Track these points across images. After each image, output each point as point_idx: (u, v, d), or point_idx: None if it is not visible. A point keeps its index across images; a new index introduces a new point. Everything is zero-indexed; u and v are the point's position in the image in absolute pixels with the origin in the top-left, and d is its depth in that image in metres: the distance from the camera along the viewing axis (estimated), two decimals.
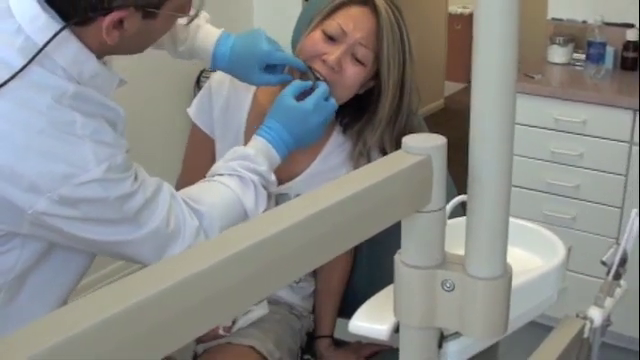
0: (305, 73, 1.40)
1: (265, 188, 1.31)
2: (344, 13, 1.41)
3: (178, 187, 1.62)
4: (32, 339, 0.37)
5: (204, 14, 1.41)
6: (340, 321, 1.62)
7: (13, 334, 0.37)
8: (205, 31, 1.42)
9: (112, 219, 1.13)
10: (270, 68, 1.41)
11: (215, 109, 1.52)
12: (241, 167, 1.29)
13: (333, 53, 1.38)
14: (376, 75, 1.44)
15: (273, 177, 1.32)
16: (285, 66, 1.42)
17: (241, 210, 1.27)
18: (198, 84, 3.27)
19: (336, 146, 1.53)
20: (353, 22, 1.40)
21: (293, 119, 1.34)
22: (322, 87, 1.37)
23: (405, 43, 1.42)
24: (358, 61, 1.40)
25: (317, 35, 1.42)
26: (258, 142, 1.33)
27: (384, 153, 1.47)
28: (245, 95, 1.52)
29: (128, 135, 1.22)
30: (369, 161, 1.48)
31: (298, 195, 0.73)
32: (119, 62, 1.24)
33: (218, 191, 1.27)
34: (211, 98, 1.53)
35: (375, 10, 1.40)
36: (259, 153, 1.31)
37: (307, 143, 1.38)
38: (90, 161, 1.08)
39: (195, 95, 3.07)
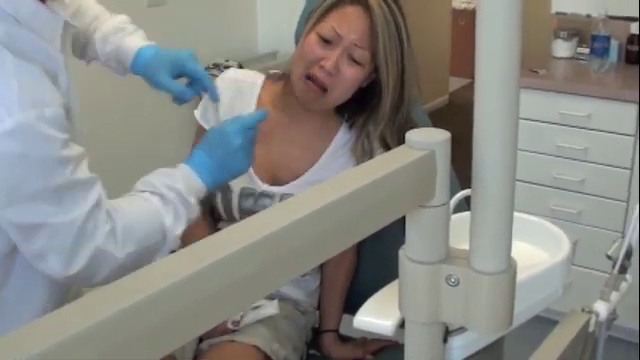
0: (206, 90, 1.40)
1: (185, 208, 1.21)
2: (337, 14, 1.40)
3: None
4: (24, 341, 0.36)
5: (134, 26, 1.42)
6: (345, 317, 1.62)
7: (5, 336, 0.36)
8: (136, 36, 1.42)
9: (32, 190, 1.02)
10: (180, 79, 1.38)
11: (221, 111, 1.52)
12: (160, 183, 1.21)
13: (330, 58, 1.38)
14: (376, 69, 1.43)
15: (193, 200, 1.21)
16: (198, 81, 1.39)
17: (158, 222, 1.18)
18: None
19: (341, 145, 1.53)
20: (347, 24, 1.38)
21: (212, 142, 1.25)
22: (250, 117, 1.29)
23: (403, 39, 1.40)
24: (355, 61, 1.39)
25: (313, 39, 1.41)
26: (179, 167, 1.25)
27: (385, 145, 1.47)
28: (250, 96, 1.53)
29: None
30: (371, 154, 1.48)
31: None
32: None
33: (137, 202, 1.19)
34: None
35: (368, 9, 1.38)
36: (177, 172, 1.23)
37: (233, 167, 1.26)
38: (14, 105, 0.97)
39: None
